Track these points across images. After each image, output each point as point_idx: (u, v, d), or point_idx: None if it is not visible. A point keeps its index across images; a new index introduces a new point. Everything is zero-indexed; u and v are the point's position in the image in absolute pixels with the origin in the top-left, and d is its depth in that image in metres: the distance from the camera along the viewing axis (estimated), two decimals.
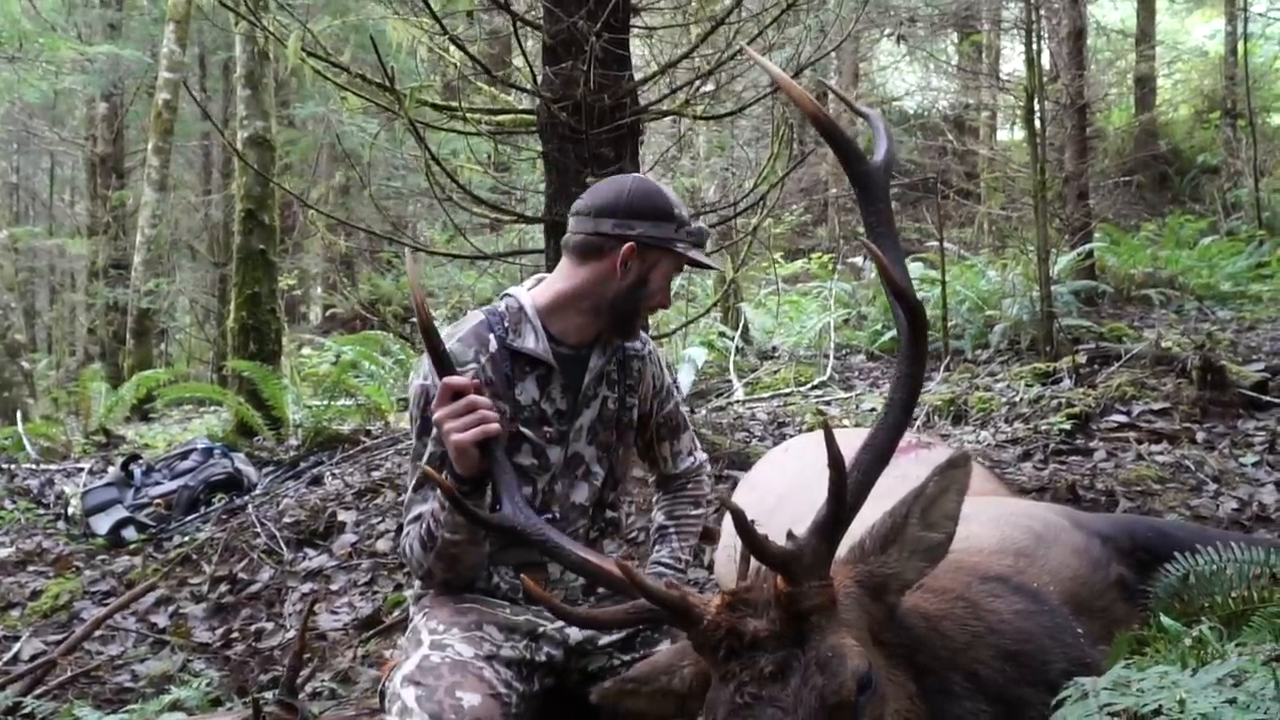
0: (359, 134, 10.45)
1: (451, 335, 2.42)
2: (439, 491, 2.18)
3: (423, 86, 5.02)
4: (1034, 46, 7.97)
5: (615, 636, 2.49)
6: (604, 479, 2.58)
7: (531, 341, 2.41)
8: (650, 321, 5.96)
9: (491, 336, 2.41)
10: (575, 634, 2.46)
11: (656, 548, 2.83)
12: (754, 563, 1.81)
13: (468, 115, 4.92)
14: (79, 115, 18.74)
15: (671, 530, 2.84)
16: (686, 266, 2.51)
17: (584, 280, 2.41)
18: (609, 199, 2.39)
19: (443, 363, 2.15)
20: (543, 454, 2.46)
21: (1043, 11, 9.16)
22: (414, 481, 2.41)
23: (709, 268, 2.62)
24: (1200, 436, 5.03)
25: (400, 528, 2.49)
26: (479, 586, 2.48)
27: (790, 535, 1.75)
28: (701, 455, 2.94)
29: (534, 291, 2.49)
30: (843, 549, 1.83)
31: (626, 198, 2.38)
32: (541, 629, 2.42)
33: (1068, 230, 9.80)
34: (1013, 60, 19.94)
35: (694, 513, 2.89)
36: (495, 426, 2.11)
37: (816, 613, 1.70)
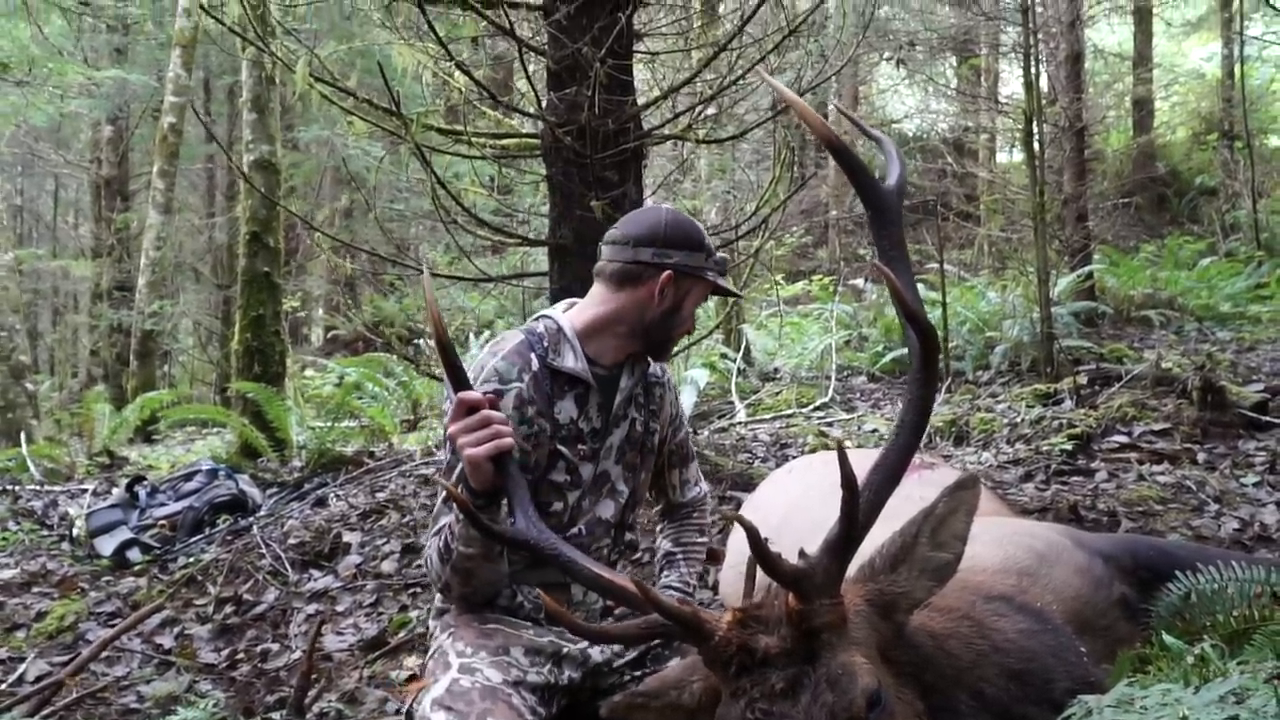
0: (363, 157, 10.54)
1: (495, 353, 2.48)
2: (455, 505, 2.21)
3: (428, 111, 5.06)
4: (1032, 70, 8.02)
5: (630, 656, 2.52)
6: (628, 498, 2.64)
7: (571, 361, 2.47)
8: None
9: (533, 355, 2.46)
10: (597, 654, 2.49)
11: (665, 573, 2.89)
12: (761, 580, 1.83)
13: (472, 139, 4.96)
14: (84, 138, 18.84)
15: (679, 556, 2.92)
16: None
17: (621, 305, 2.48)
18: (647, 230, 2.47)
19: (459, 378, 2.17)
20: (575, 471, 2.51)
21: (1040, 35, 9.22)
22: (443, 494, 2.44)
23: (735, 295, 2.71)
24: (1201, 457, 5.04)
25: (424, 545, 2.52)
26: (501, 605, 2.52)
27: (802, 554, 1.77)
28: (706, 486, 3.04)
29: (570, 314, 2.55)
30: (852, 568, 1.85)
31: (664, 229, 2.46)
32: (565, 650, 2.44)
33: (1067, 252, 9.83)
34: (1011, 83, 20.02)
35: (699, 540, 2.97)
36: (509, 441, 2.14)
37: (827, 630, 1.72)
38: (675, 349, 2.89)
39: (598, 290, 2.54)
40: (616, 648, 2.54)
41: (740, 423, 7.68)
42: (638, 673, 2.47)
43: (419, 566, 4.75)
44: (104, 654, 4.10)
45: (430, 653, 2.47)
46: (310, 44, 5.09)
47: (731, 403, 8.47)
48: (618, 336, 2.52)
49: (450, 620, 2.48)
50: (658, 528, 3.04)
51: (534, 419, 2.42)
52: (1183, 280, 11.25)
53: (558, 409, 2.47)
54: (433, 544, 2.42)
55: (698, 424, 7.62)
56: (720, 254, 2.55)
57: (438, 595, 2.57)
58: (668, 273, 2.43)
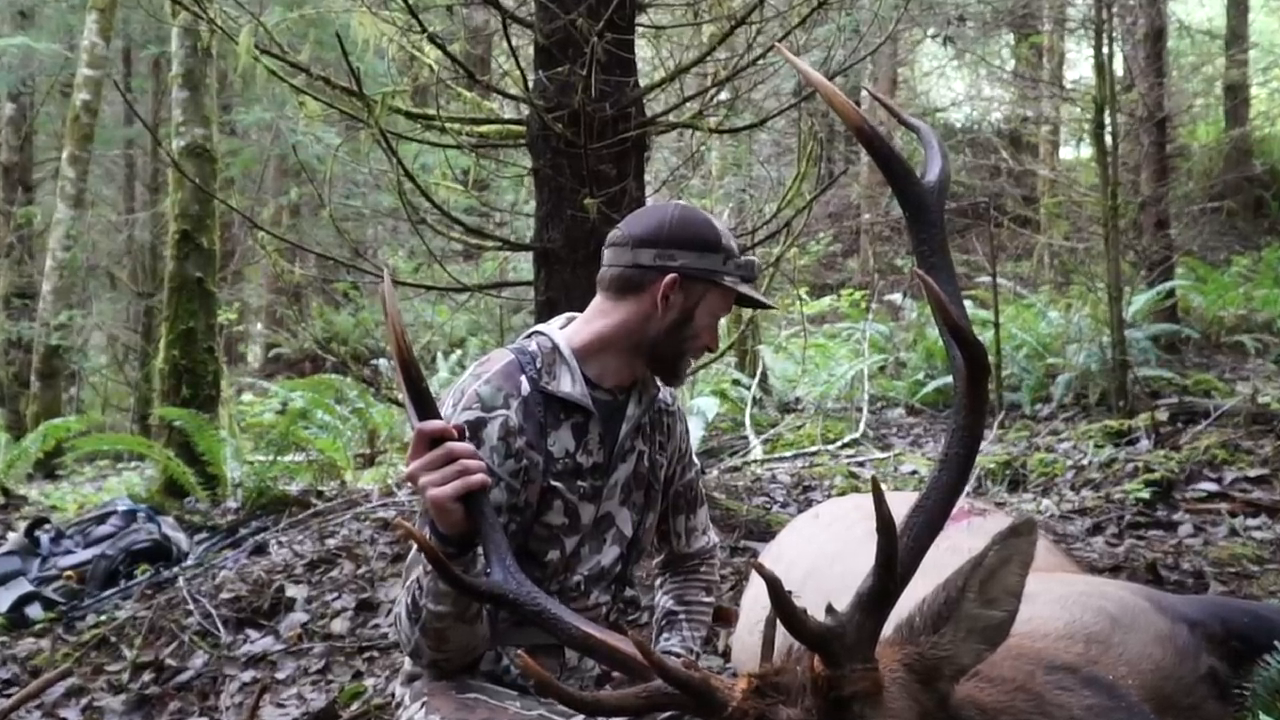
0: (315, 145, 10.58)
1: (478, 375, 2.47)
2: (423, 555, 2.20)
3: (394, 91, 5.09)
4: (1105, 50, 8.09)
5: None
6: (630, 543, 2.65)
7: (568, 384, 2.47)
8: None
9: (523, 378, 2.45)
10: None
11: (665, 635, 2.89)
12: (782, 641, 1.84)
13: (445, 125, 5.00)
14: None
15: (681, 617, 2.91)
16: (736, 305, 2.61)
17: (622, 318, 2.49)
18: (649, 228, 2.47)
19: (423, 404, 2.17)
20: (574, 513, 2.51)
21: (1115, 9, 9.28)
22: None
23: (764, 305, 2.70)
24: None
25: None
26: (483, 670, 2.51)
27: (830, 610, 1.78)
28: (715, 537, 3.03)
29: (567, 331, 2.56)
30: (888, 628, 1.86)
31: (669, 227, 2.46)
32: None
33: (1144, 265, 9.87)
34: (1079, 66, 20.15)
35: (705, 599, 2.96)
36: (479, 478, 2.13)
37: (859, 700, 1.72)
38: (691, 369, 2.88)
39: (598, 301, 2.55)
40: None
41: (756, 461, 7.71)
42: None
43: (375, 626, 4.76)
44: None
45: None
46: (255, 10, 5.13)
47: (745, 438, 8.50)
48: (621, 355, 2.52)
49: (422, 688, 2.46)
50: (657, 582, 3.03)
51: (522, 451, 2.40)
52: None
53: (551, 440, 2.46)
54: (401, 600, 2.40)
55: (706, 462, 7.64)
56: (747, 257, 2.54)
57: (407, 658, 2.57)
58: (671, 276, 2.43)
